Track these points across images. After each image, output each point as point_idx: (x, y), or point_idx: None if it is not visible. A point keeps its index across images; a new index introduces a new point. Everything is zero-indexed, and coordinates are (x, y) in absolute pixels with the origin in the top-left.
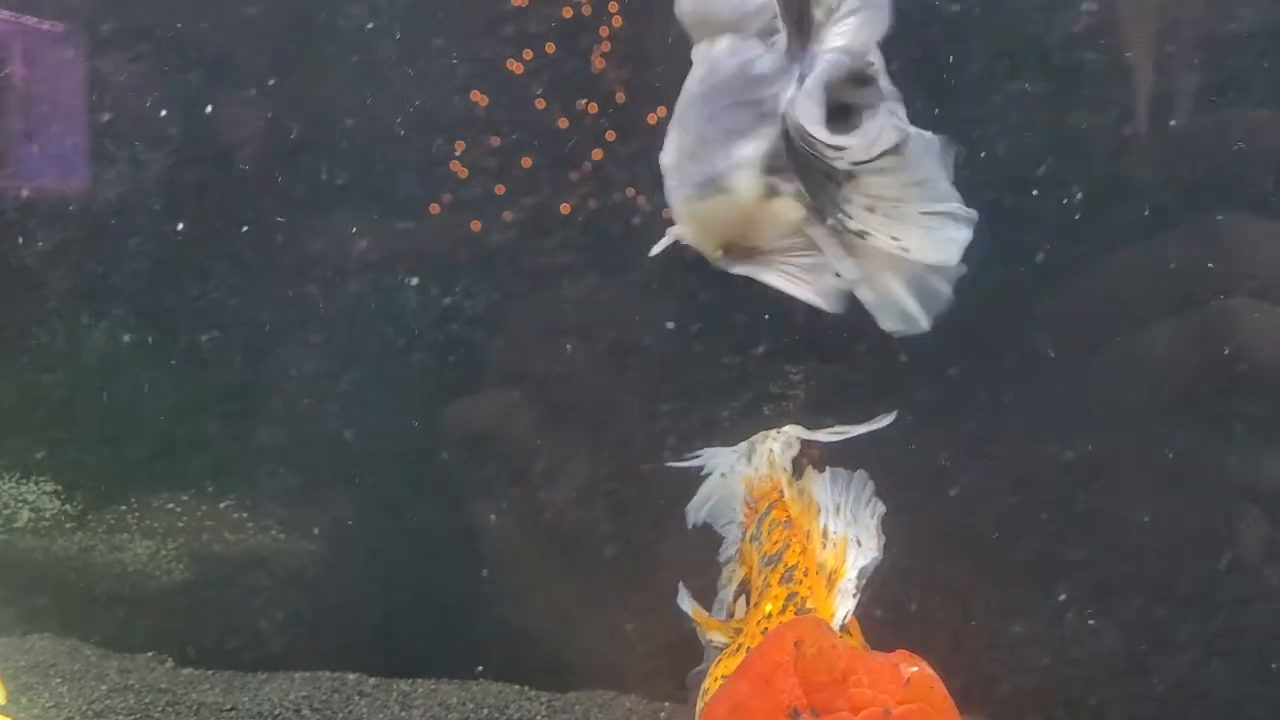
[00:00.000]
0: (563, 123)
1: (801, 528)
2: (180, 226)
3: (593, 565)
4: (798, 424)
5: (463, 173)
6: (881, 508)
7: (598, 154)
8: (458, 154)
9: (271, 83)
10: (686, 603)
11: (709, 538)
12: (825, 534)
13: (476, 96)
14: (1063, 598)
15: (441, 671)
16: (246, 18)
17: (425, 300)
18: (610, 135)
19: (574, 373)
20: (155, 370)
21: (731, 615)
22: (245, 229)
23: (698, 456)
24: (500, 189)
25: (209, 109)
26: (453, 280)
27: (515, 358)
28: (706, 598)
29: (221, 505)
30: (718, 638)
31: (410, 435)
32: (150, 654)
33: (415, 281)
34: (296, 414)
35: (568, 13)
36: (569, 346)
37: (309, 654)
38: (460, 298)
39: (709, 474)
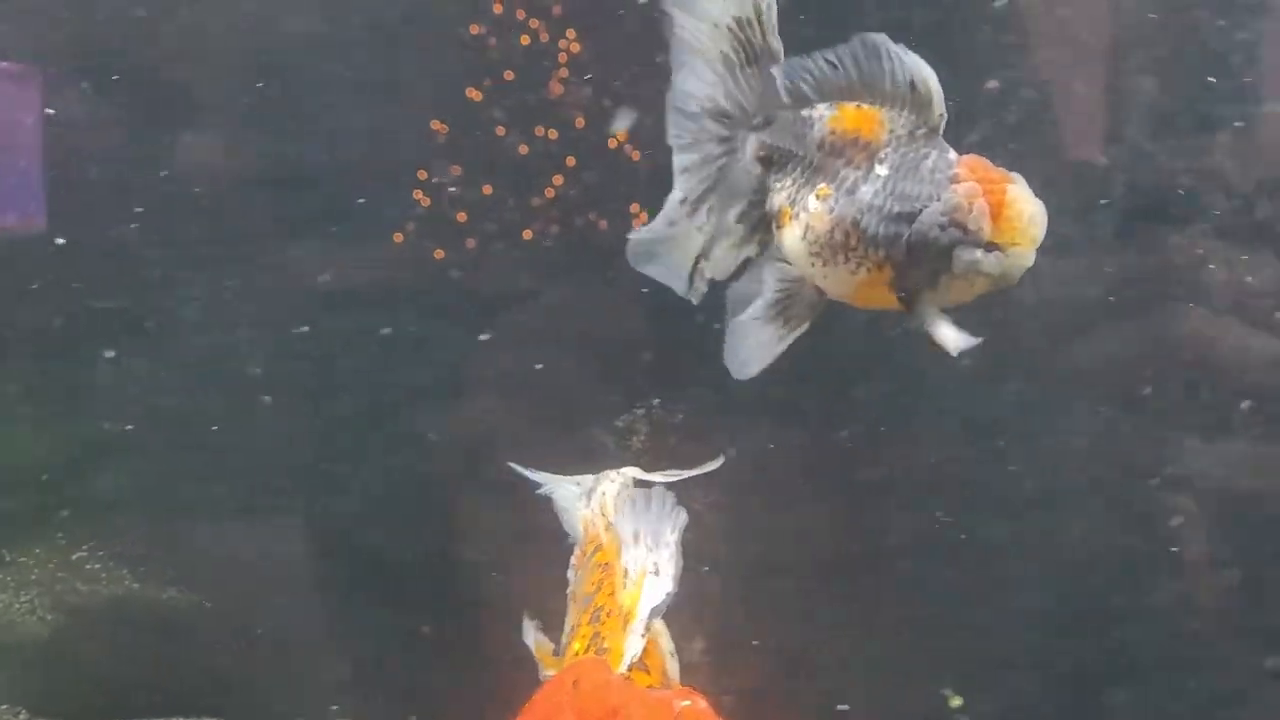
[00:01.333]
0: (523, 149)
1: (612, 567)
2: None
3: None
4: (638, 464)
5: (425, 201)
6: (683, 519)
7: (558, 179)
8: (420, 182)
9: (228, 116)
10: (530, 637)
11: None
12: (625, 571)
13: (437, 125)
14: None
15: (298, 713)
16: (200, 50)
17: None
18: (570, 161)
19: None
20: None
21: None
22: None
23: (541, 474)
24: (461, 216)
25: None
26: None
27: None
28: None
29: (75, 556)
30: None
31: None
32: (4, 706)
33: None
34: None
35: (525, 40)
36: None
37: (167, 702)
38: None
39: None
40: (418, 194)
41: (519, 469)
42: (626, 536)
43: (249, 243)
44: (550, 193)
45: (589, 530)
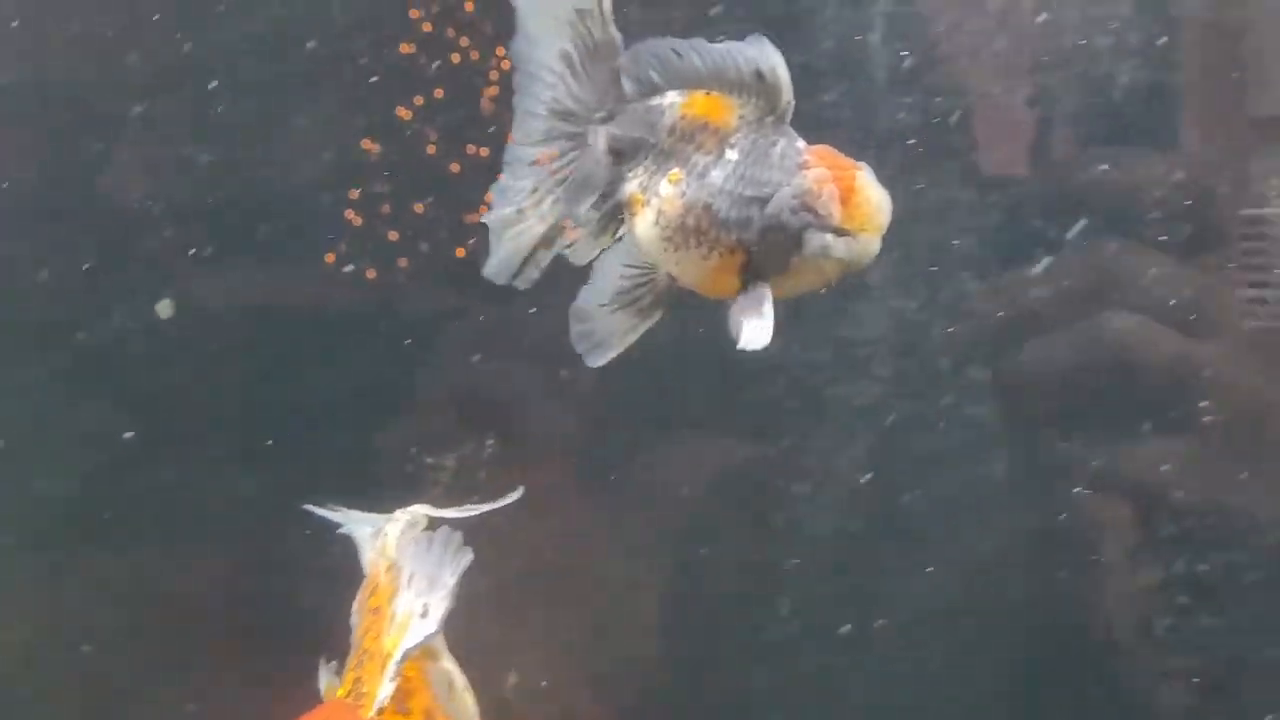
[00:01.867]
0: (455, 167)
1: (382, 611)
2: None
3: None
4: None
5: (356, 220)
6: (466, 560)
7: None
8: (351, 201)
9: (157, 133)
10: (322, 680)
11: None
12: (394, 615)
13: (368, 145)
14: None
15: None
16: (129, 68)
17: None
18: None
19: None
20: None
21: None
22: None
23: (339, 512)
24: (393, 235)
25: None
26: None
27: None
28: None
29: None
30: None
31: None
32: None
33: None
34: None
35: (455, 58)
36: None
37: None
38: None
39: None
40: (349, 213)
41: (314, 509)
42: (403, 579)
43: (179, 263)
44: (484, 209)
45: (373, 572)
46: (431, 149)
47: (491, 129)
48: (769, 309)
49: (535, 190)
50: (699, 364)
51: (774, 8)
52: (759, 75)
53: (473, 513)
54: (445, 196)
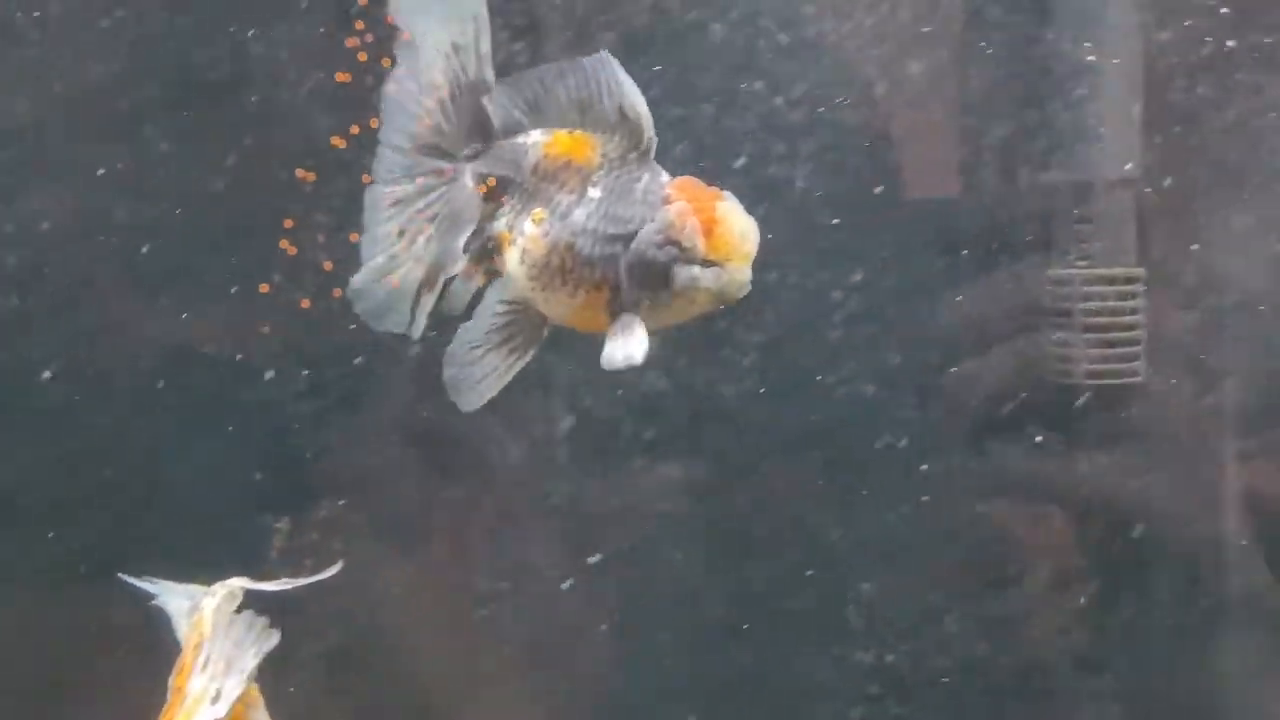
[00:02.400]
0: None
1: (182, 691)
2: None
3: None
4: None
5: (292, 250)
6: (271, 642)
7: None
8: (287, 230)
9: (97, 163)
10: None
11: None
12: (187, 696)
13: (303, 174)
14: None
15: None
16: (57, 99)
17: None
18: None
19: None
20: None
21: None
22: None
23: (155, 583)
24: (328, 265)
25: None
26: None
27: None
28: None
29: None
30: None
31: None
32: None
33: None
34: None
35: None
36: None
37: None
38: None
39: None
40: (284, 243)
41: (128, 579)
42: (200, 660)
43: (112, 295)
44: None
45: (186, 648)
46: (367, 178)
47: None
48: (641, 332)
49: (404, 232)
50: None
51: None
52: (621, 111)
53: (289, 586)
54: None
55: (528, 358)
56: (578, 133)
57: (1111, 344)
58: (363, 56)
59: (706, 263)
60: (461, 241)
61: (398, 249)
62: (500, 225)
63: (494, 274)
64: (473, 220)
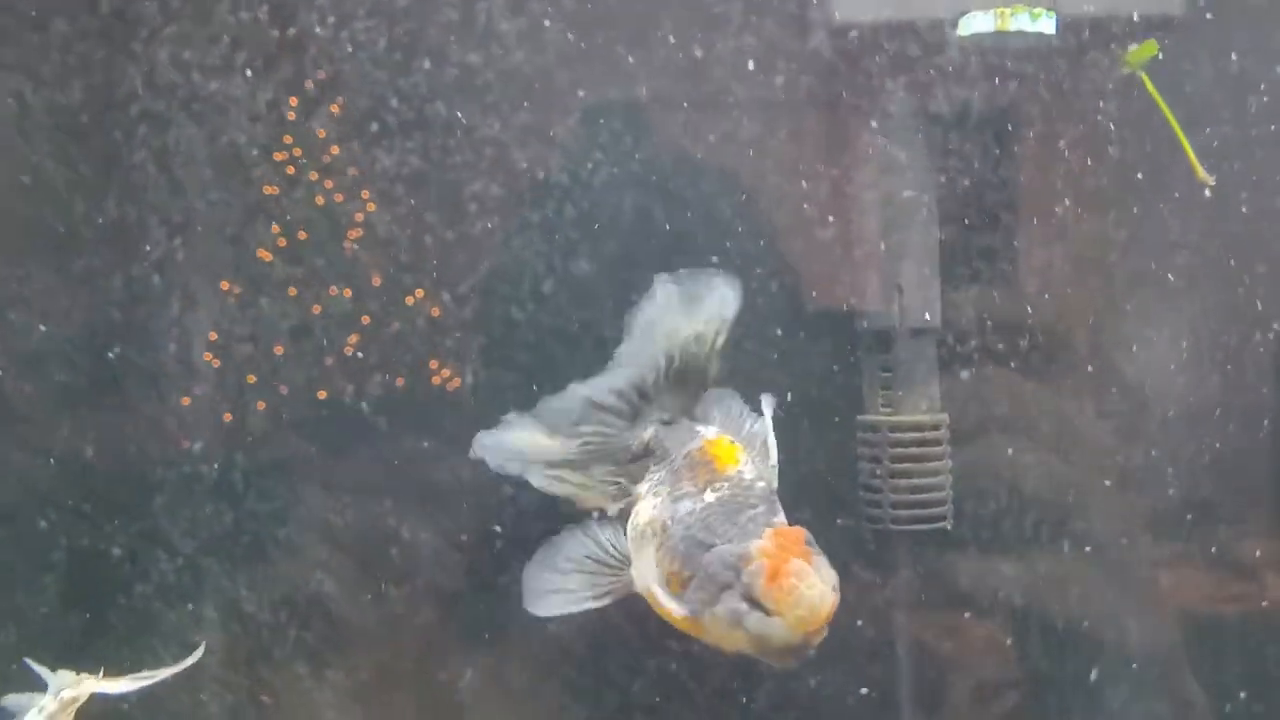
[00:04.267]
0: (316, 309)
1: None
2: None
3: None
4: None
5: (215, 363)
6: None
7: (354, 337)
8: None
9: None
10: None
11: None
12: None
13: (226, 285)
14: None
15: None
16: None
17: None
18: (366, 319)
19: None
20: None
21: None
22: None
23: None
24: (251, 379)
25: None
26: None
27: None
28: None
29: None
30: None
31: None
32: None
33: None
34: None
35: (320, 200)
36: None
37: None
38: None
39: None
40: (208, 355)
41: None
42: None
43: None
44: (348, 350)
45: None
46: (293, 291)
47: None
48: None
49: (585, 443)
50: None
51: None
52: (764, 444)
53: (147, 682)
54: (306, 338)
55: (602, 603)
56: (738, 445)
57: (917, 490)
58: (291, 170)
59: (757, 604)
60: (596, 468)
61: (564, 430)
62: (642, 488)
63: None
64: (614, 462)
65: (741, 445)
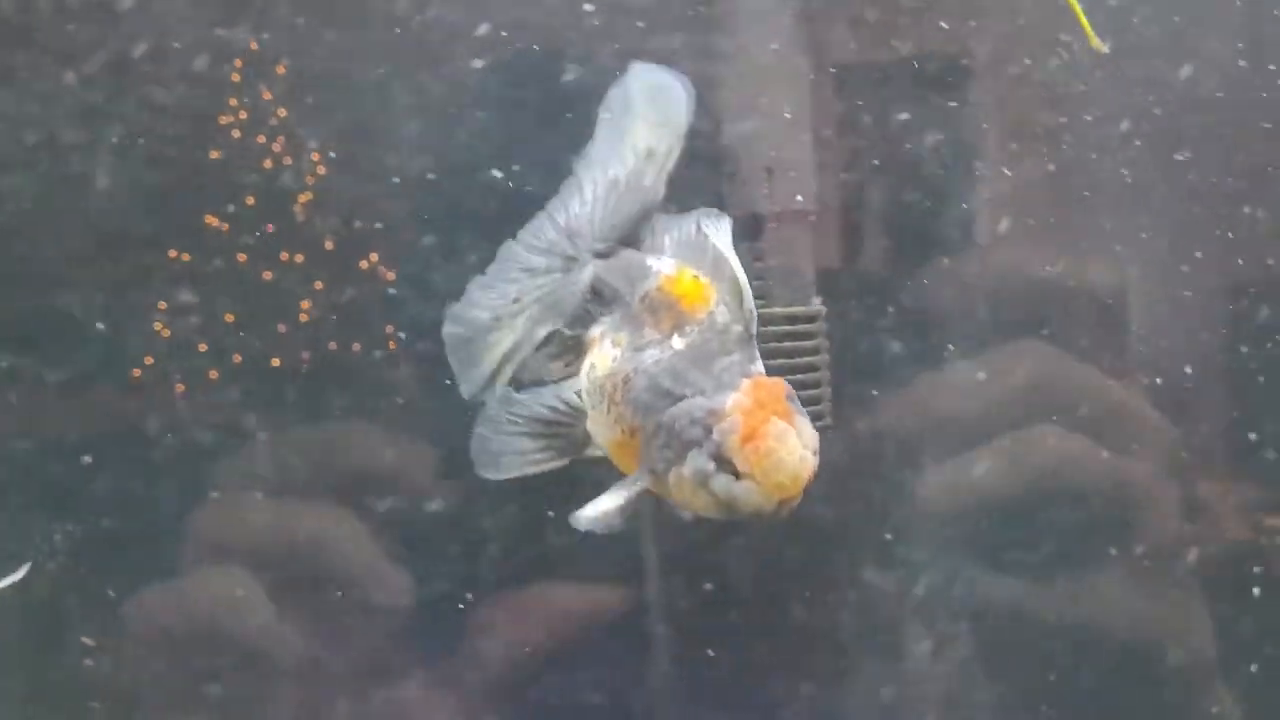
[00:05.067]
0: (267, 275)
1: None
2: None
3: None
4: None
5: (165, 332)
6: None
7: (306, 304)
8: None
9: None
10: None
11: None
12: None
13: (173, 253)
14: None
15: None
16: None
17: None
18: (319, 285)
19: None
20: None
21: None
22: None
23: None
24: (203, 347)
25: None
26: None
27: None
28: None
29: None
30: None
31: None
32: None
33: None
34: None
35: (268, 164)
36: None
37: None
38: None
39: None
40: (159, 325)
41: None
42: None
43: None
44: (304, 318)
45: None
46: (243, 257)
47: (305, 235)
48: (617, 502)
49: (518, 300)
50: None
51: None
52: (736, 284)
53: None
54: (259, 304)
55: (555, 464)
56: (705, 281)
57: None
58: (237, 134)
59: (727, 465)
60: (546, 330)
61: (503, 312)
62: (594, 331)
63: (568, 373)
64: (563, 316)
65: (709, 281)
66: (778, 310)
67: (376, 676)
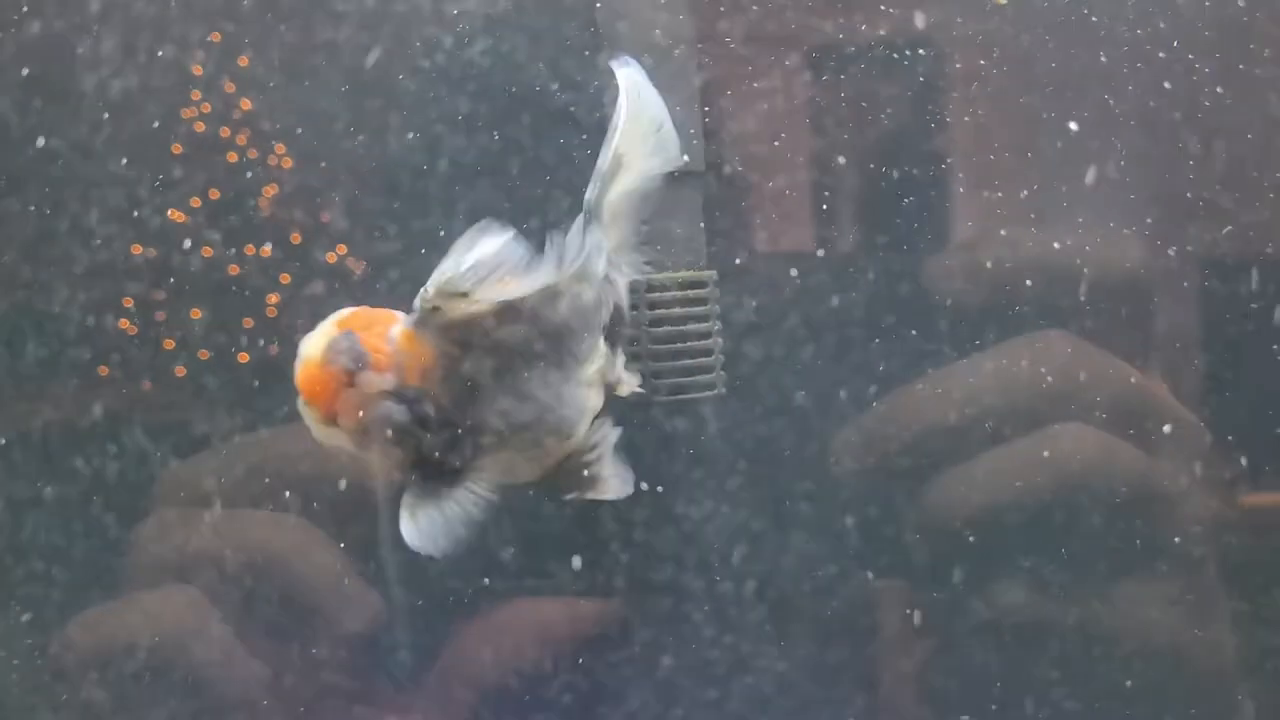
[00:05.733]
0: (233, 269)
1: None
2: None
3: None
4: None
5: (132, 330)
6: None
7: (274, 297)
8: (127, 309)
9: None
10: None
11: None
12: None
13: (137, 249)
14: None
15: None
16: None
17: None
18: (285, 278)
19: None
20: None
21: None
22: None
23: None
24: (169, 344)
25: None
26: None
27: None
28: None
29: None
30: None
31: None
32: None
33: None
34: None
35: (232, 157)
36: None
37: None
38: None
39: None
40: (124, 322)
41: None
42: None
43: None
44: (272, 312)
45: None
46: (208, 251)
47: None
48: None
49: None
50: None
51: None
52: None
53: None
54: (224, 299)
55: None
56: None
57: (684, 355)
58: (200, 126)
59: None
60: None
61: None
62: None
63: None
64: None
65: None
66: (663, 277)
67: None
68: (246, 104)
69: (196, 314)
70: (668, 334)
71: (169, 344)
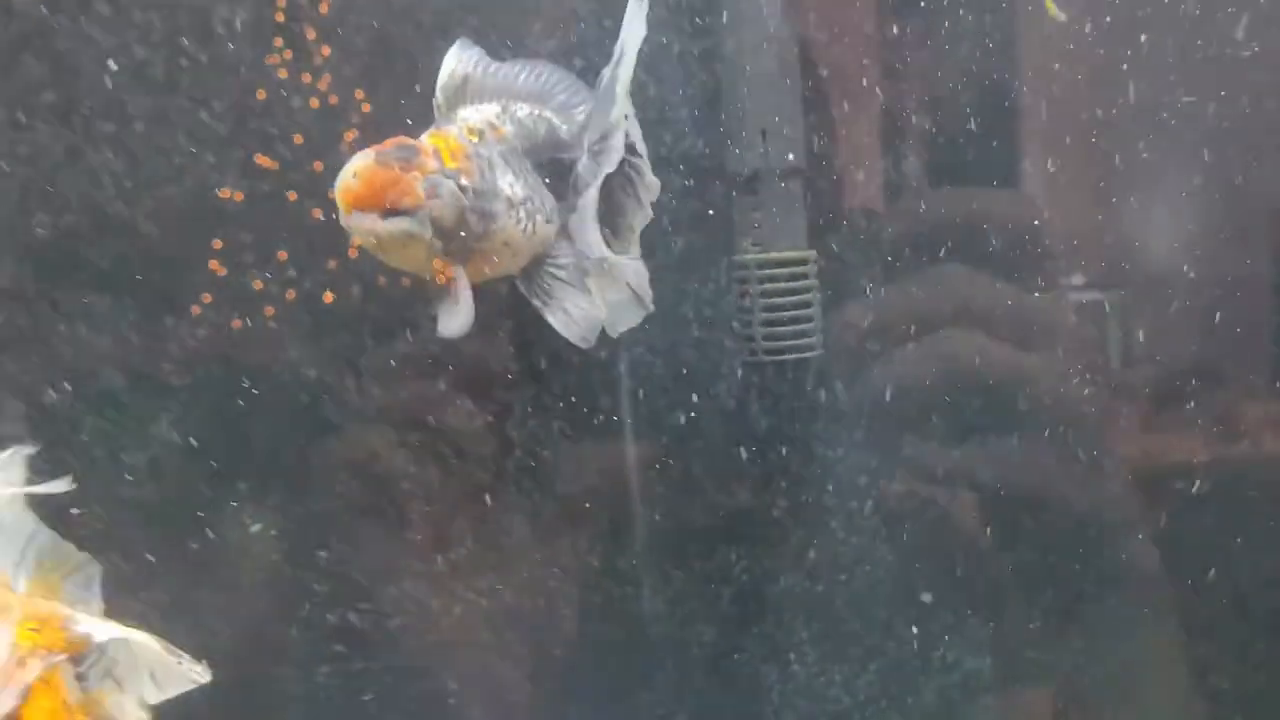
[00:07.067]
0: (316, 214)
1: None
2: None
3: None
4: None
5: (221, 270)
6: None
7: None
8: (216, 251)
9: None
10: None
11: None
12: None
13: (224, 193)
14: None
15: None
16: None
17: None
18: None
19: None
20: None
21: None
22: None
23: None
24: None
25: None
26: None
27: None
28: None
29: None
30: None
31: None
32: None
33: None
34: None
35: (314, 103)
36: None
37: None
38: None
39: None
40: (214, 264)
41: None
42: None
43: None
44: (354, 253)
45: None
46: (293, 196)
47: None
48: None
49: None
50: None
51: None
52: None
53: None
54: (308, 244)
55: None
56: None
57: (787, 322)
58: (284, 73)
59: None
60: None
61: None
62: None
63: None
64: None
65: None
66: (772, 256)
67: None
68: (325, 51)
69: (283, 256)
70: (775, 304)
71: (258, 285)
